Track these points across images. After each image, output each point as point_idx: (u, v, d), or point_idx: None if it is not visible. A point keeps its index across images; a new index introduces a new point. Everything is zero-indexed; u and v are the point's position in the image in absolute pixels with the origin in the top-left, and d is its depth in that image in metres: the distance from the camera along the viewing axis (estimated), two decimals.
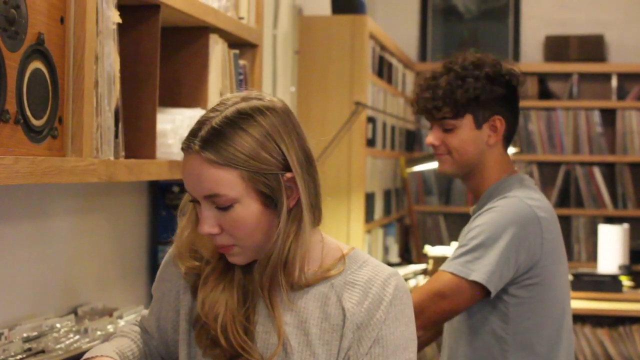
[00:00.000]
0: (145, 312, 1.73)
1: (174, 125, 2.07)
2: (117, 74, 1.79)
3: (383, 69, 4.69)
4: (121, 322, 2.13)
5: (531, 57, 6.00)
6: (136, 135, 1.96)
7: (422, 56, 6.08)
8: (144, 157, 1.96)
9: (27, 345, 1.80)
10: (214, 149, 1.42)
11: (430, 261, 4.24)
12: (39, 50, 1.52)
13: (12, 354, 1.74)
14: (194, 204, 1.51)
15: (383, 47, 4.70)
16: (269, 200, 1.46)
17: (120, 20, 1.79)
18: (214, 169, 1.43)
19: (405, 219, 5.72)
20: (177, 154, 2.08)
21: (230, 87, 2.41)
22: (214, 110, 1.47)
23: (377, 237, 4.70)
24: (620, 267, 4.52)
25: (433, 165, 4.91)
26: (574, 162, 5.82)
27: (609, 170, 5.82)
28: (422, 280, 4.36)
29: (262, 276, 1.50)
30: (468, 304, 2.19)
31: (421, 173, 5.93)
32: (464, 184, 2.43)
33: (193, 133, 1.45)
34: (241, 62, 2.54)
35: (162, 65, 2.04)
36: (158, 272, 1.68)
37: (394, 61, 5.07)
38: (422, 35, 6.11)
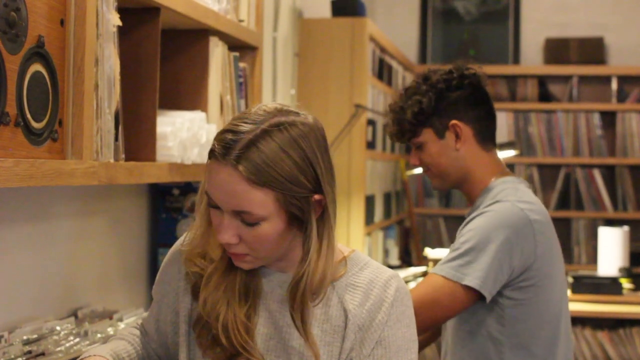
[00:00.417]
0: (146, 315, 1.73)
1: (174, 127, 2.07)
2: (117, 77, 1.79)
3: (383, 72, 4.69)
4: (121, 325, 2.13)
5: (531, 59, 6.01)
6: (136, 138, 1.96)
7: (422, 59, 6.08)
8: (144, 159, 1.96)
9: (27, 348, 1.80)
10: (254, 167, 1.40)
11: (430, 264, 4.25)
12: (39, 53, 1.52)
13: (12, 356, 1.74)
14: (212, 207, 1.48)
15: (383, 50, 4.70)
16: (295, 219, 1.46)
17: (120, 23, 1.79)
18: (250, 187, 1.40)
19: (406, 221, 5.72)
20: (177, 157, 2.08)
21: (230, 89, 2.41)
22: (246, 120, 1.43)
23: (377, 240, 4.70)
24: (621, 270, 4.51)
25: None
26: (574, 165, 5.82)
27: (609, 172, 5.82)
28: None
29: (294, 301, 1.49)
30: (462, 308, 2.19)
31: (421, 176, 5.93)
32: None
33: (227, 143, 1.41)
34: (241, 64, 2.54)
35: (162, 68, 2.04)
36: (158, 274, 1.68)
37: (394, 64, 5.07)
38: (422, 37, 6.11)
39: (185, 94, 2.28)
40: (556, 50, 5.88)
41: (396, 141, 2.44)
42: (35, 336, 1.87)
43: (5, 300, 1.90)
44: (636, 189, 5.78)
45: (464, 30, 6.08)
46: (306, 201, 1.45)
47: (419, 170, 5.01)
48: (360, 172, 4.13)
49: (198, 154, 2.18)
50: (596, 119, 5.80)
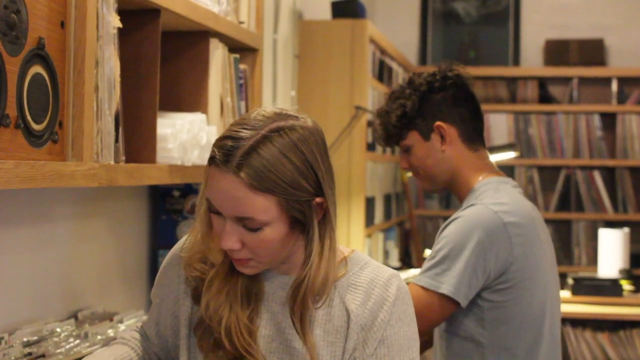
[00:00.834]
0: (146, 318, 1.73)
1: (174, 129, 2.07)
2: (118, 79, 1.79)
3: (383, 73, 4.69)
4: (121, 327, 2.13)
5: (531, 61, 6.01)
6: (136, 140, 1.96)
7: (423, 60, 6.08)
8: (144, 161, 1.96)
9: (27, 350, 1.80)
10: (256, 173, 1.40)
11: None
12: (39, 55, 1.52)
13: (13, 358, 1.74)
14: (213, 213, 1.48)
15: (383, 52, 4.70)
16: (297, 223, 1.47)
17: (120, 25, 1.79)
18: (252, 193, 1.40)
19: (406, 223, 5.72)
20: (177, 158, 2.08)
21: (230, 91, 2.41)
22: (245, 125, 1.43)
23: (378, 241, 4.70)
24: (621, 271, 4.51)
25: None
26: (574, 167, 5.82)
27: (609, 174, 5.82)
28: None
29: (295, 303, 1.50)
30: (442, 317, 2.20)
31: None
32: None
33: (228, 150, 1.41)
34: (241, 66, 2.54)
35: (162, 70, 2.04)
36: (156, 278, 1.67)
37: (394, 65, 5.07)
38: (422, 39, 6.12)
39: (186, 96, 2.28)
40: (556, 51, 5.89)
41: (384, 146, 2.48)
42: (35, 338, 1.87)
43: (6, 301, 1.90)
44: (636, 190, 5.78)
45: (464, 32, 6.08)
46: (308, 205, 1.45)
47: None
48: (360, 173, 4.13)
49: (198, 156, 2.18)
50: (596, 120, 5.81)
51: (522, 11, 6.03)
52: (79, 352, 1.87)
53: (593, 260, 5.56)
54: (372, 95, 4.32)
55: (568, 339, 4.37)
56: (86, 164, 1.64)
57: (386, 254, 4.96)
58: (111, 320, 2.15)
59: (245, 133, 1.42)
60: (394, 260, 5.11)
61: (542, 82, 5.90)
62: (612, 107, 5.81)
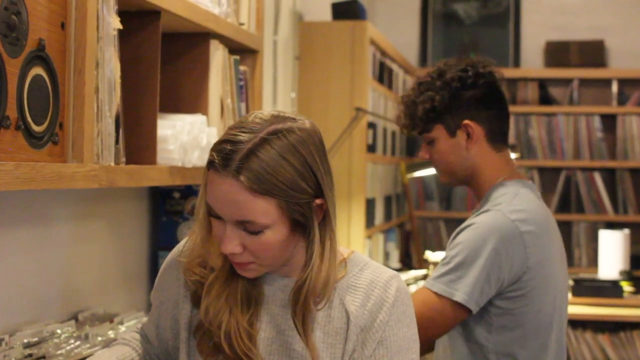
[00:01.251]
0: (146, 320, 1.73)
1: (175, 131, 2.07)
2: (118, 80, 1.79)
3: (384, 75, 4.69)
4: (122, 328, 2.13)
5: (531, 62, 6.01)
6: (137, 141, 1.96)
7: (423, 62, 6.08)
8: (144, 162, 1.96)
9: (27, 351, 1.80)
10: (255, 176, 1.39)
11: (431, 267, 4.24)
12: (39, 56, 1.52)
13: (13, 359, 1.74)
14: (213, 217, 1.47)
15: (383, 53, 4.70)
16: (298, 225, 1.47)
17: (120, 26, 1.79)
18: (252, 196, 1.40)
19: (406, 224, 5.72)
20: (178, 160, 2.08)
21: (230, 93, 2.41)
22: (243, 129, 1.43)
23: (378, 243, 4.70)
24: (621, 273, 4.51)
25: (433, 171, 4.91)
26: (574, 168, 5.82)
27: (610, 175, 5.82)
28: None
29: (296, 306, 1.50)
30: (454, 324, 2.18)
31: (422, 179, 5.93)
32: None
33: (227, 154, 1.41)
34: (242, 67, 2.54)
35: (162, 71, 2.04)
36: (156, 280, 1.67)
37: (394, 67, 5.07)
38: (422, 40, 6.12)
39: (186, 97, 2.28)
40: (557, 53, 5.89)
41: (406, 134, 2.41)
42: (35, 339, 1.87)
43: (6, 303, 1.90)
44: (637, 192, 5.78)
45: (464, 34, 6.09)
46: (308, 206, 1.45)
47: (419, 173, 5.02)
48: (360, 175, 4.13)
49: (198, 157, 2.18)
50: (597, 121, 5.81)
51: (523, 12, 6.04)
52: (79, 353, 1.87)
53: (593, 261, 5.56)
54: (373, 97, 4.32)
55: (568, 341, 4.37)
56: (86, 166, 1.64)
57: (386, 255, 4.96)
58: (111, 321, 2.15)
59: (243, 136, 1.42)
60: (395, 261, 5.11)
61: (543, 84, 5.90)
62: (613, 108, 5.81)
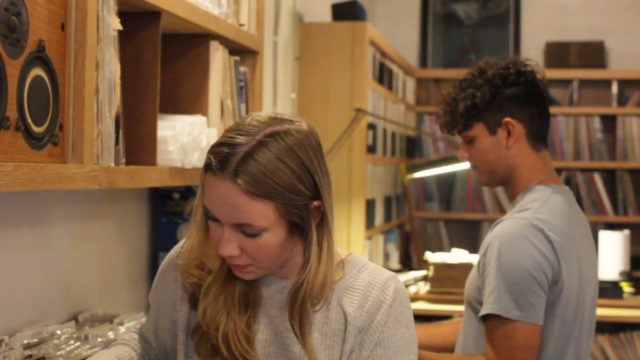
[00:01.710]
0: (145, 321, 1.73)
1: (175, 131, 2.07)
2: (118, 81, 1.79)
3: (384, 76, 4.69)
4: (122, 329, 2.13)
5: None
6: (137, 142, 1.96)
7: (423, 62, 6.09)
8: (144, 163, 1.96)
9: (27, 352, 1.80)
10: (253, 179, 1.39)
11: (431, 267, 4.24)
12: (39, 57, 1.52)
13: None
14: (210, 220, 1.47)
15: (383, 54, 4.71)
16: (296, 227, 1.47)
17: (120, 27, 1.79)
18: (250, 199, 1.40)
19: (406, 225, 5.72)
20: (178, 161, 2.08)
21: (230, 93, 2.41)
22: (240, 131, 1.43)
23: (378, 244, 4.70)
24: (621, 274, 4.51)
25: (433, 171, 4.92)
26: (574, 169, 5.82)
27: (610, 176, 5.82)
28: (422, 286, 4.35)
29: (294, 307, 1.50)
30: (537, 342, 2.14)
31: (422, 179, 5.93)
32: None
33: (224, 157, 1.40)
34: (242, 68, 2.54)
35: (162, 72, 2.04)
36: (154, 282, 1.67)
37: (394, 68, 5.07)
38: (422, 41, 6.12)
39: (186, 98, 2.28)
40: (557, 54, 5.89)
41: (446, 133, 2.38)
42: (35, 340, 1.87)
43: (6, 304, 1.90)
44: (637, 192, 5.78)
45: (464, 34, 6.09)
46: (306, 209, 1.45)
47: (419, 174, 5.02)
48: (360, 176, 4.13)
49: (198, 158, 2.18)
50: (597, 122, 5.81)
51: (523, 13, 6.04)
52: (79, 354, 1.87)
53: None
54: (373, 98, 4.32)
55: None
56: (86, 166, 1.64)
57: (386, 256, 4.96)
58: (111, 322, 2.15)
59: (240, 139, 1.41)
60: (394, 262, 5.10)
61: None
62: (613, 109, 5.81)
